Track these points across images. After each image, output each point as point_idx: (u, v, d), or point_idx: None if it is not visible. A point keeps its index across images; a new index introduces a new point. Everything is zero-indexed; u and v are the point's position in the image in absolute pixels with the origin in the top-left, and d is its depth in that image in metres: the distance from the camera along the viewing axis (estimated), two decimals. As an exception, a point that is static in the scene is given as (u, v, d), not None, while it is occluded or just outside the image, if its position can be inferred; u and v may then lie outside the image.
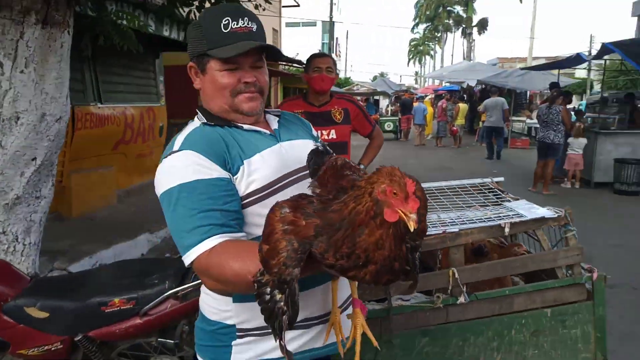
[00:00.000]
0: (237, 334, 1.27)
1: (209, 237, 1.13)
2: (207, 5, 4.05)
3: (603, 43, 8.35)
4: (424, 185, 1.05)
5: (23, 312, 2.04)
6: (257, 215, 1.22)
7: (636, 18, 33.72)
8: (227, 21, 1.25)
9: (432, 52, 52.86)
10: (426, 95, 21.25)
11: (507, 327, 2.13)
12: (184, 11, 4.09)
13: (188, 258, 1.15)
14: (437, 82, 32.28)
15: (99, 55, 5.95)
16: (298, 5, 22.15)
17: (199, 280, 2.22)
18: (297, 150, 1.38)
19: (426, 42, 51.54)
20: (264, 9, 4.41)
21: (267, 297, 0.96)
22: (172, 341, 2.18)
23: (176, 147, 1.24)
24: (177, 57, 8.87)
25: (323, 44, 34.19)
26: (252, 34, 1.28)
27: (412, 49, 55.12)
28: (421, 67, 58.97)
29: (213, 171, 1.20)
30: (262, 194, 1.24)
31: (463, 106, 17.42)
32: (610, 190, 8.82)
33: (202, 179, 1.18)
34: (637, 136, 9.14)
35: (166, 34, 5.93)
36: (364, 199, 0.91)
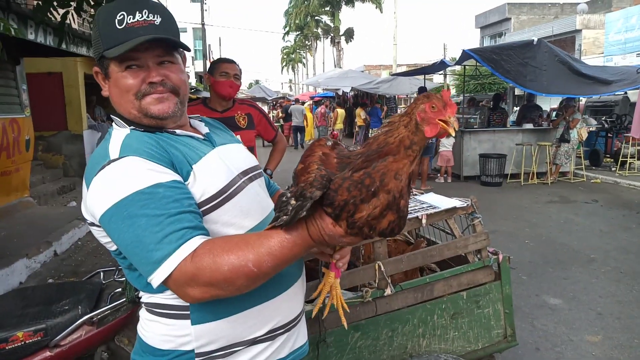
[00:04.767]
0: (197, 359, 1.15)
1: (186, 241, 0.99)
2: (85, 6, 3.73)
3: (463, 49, 9.25)
4: None
5: None
6: (215, 223, 1.14)
7: (479, 29, 37.68)
8: (122, 16, 1.13)
9: (304, 60, 54.13)
10: (305, 102, 21.73)
11: (430, 313, 2.25)
12: (59, 13, 3.71)
13: (162, 273, 0.99)
14: (312, 88, 33.19)
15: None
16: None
17: (117, 302, 2.06)
18: (233, 154, 1.32)
19: (297, 50, 52.64)
20: None
21: (285, 198, 1.04)
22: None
23: (114, 155, 1.08)
24: (41, 63, 8.07)
25: (196, 50, 33.33)
26: (154, 27, 1.15)
27: (285, 56, 55.98)
28: (295, 74, 60.18)
29: (167, 174, 1.07)
30: (217, 200, 1.15)
31: (341, 111, 18.11)
32: (477, 182, 9.79)
33: (161, 183, 1.04)
34: (495, 133, 10.27)
35: (31, 37, 5.30)
36: (397, 131, 0.96)
